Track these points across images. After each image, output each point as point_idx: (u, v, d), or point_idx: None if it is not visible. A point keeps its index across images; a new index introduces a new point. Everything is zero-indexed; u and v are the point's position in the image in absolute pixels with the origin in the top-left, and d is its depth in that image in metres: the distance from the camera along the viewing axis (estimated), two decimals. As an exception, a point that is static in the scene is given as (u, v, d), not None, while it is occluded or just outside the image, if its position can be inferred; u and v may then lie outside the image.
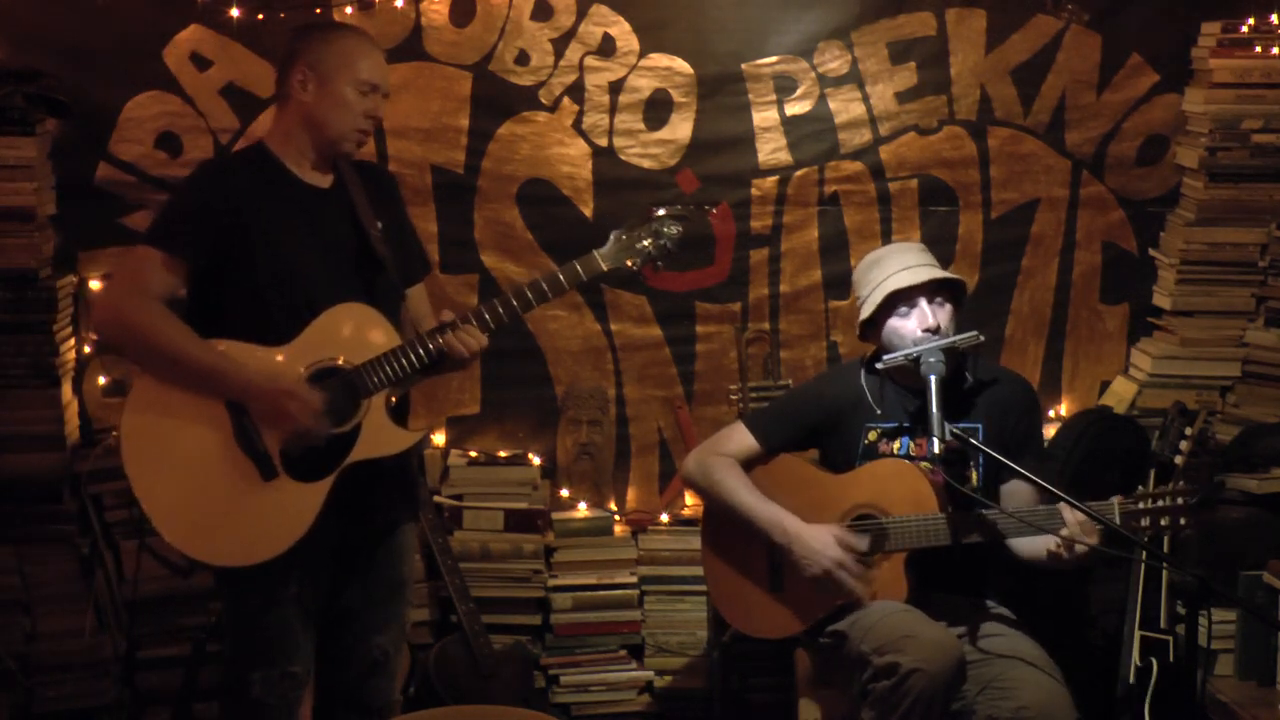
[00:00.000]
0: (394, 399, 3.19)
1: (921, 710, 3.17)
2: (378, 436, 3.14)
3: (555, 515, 4.44)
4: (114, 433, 4.24)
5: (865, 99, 4.38)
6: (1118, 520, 3.22)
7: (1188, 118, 4.40)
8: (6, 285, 4.06)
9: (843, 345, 4.47)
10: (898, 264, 3.48)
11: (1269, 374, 4.37)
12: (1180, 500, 3.22)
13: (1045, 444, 3.92)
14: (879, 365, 3.50)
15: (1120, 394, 4.47)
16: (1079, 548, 3.21)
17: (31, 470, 4.11)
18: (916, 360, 3.39)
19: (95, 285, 4.25)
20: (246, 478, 3.09)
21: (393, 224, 3.29)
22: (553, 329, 4.44)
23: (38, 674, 4.15)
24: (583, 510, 4.48)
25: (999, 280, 4.50)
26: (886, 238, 4.42)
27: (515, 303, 3.19)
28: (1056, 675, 3.29)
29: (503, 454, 4.45)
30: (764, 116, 4.37)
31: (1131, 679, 3.82)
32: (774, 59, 4.35)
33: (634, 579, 4.43)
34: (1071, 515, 3.22)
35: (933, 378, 3.32)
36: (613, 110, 4.35)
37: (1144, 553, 3.59)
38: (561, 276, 3.21)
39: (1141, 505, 3.24)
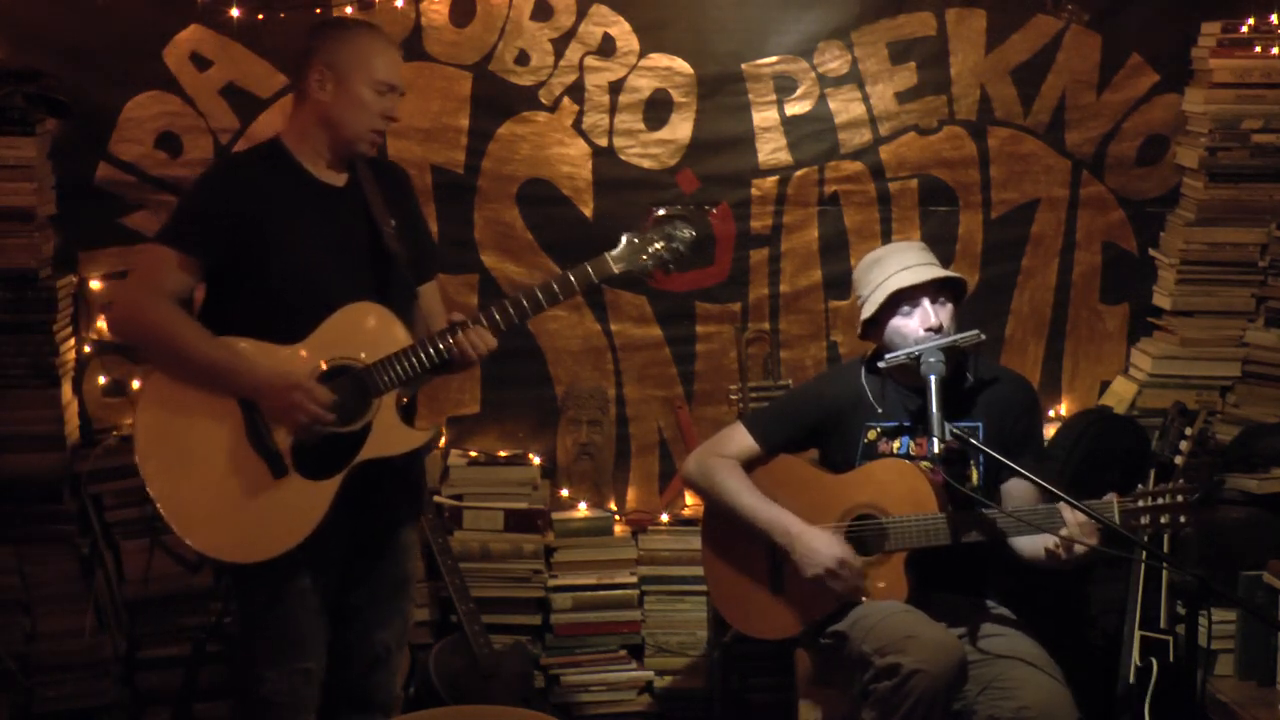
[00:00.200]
0: (405, 399, 3.20)
1: (923, 711, 3.17)
2: (388, 435, 3.15)
3: (555, 515, 4.44)
4: (114, 432, 4.26)
5: (865, 99, 4.38)
6: (1117, 519, 3.22)
7: (1188, 118, 4.40)
8: (6, 285, 4.06)
9: (843, 345, 4.47)
10: (899, 263, 3.48)
11: (1269, 374, 4.37)
12: (1180, 499, 3.22)
13: (1045, 444, 3.91)
14: (880, 364, 3.50)
15: (1120, 394, 4.47)
16: (1079, 547, 3.21)
17: (31, 470, 4.11)
18: (917, 359, 3.39)
19: (96, 285, 4.25)
20: (257, 475, 3.11)
21: (406, 222, 3.30)
22: (553, 329, 4.44)
23: (38, 674, 4.15)
24: (583, 510, 4.48)
25: (999, 280, 4.50)
26: (886, 238, 4.42)
27: (526, 304, 3.20)
28: (1057, 675, 3.29)
29: (503, 454, 4.45)
30: (764, 116, 4.37)
31: (1131, 679, 3.82)
32: (774, 59, 4.35)
33: (634, 579, 4.43)
34: (1071, 515, 3.22)
35: (933, 377, 3.32)
36: (613, 110, 4.35)
37: (1144, 553, 3.59)
38: (572, 278, 3.21)
39: (1141, 504, 3.24)
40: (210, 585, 4.27)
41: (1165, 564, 3.74)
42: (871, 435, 3.54)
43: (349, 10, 4.16)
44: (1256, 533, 4.12)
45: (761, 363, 4.46)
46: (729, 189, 4.41)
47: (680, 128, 4.37)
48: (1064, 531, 3.21)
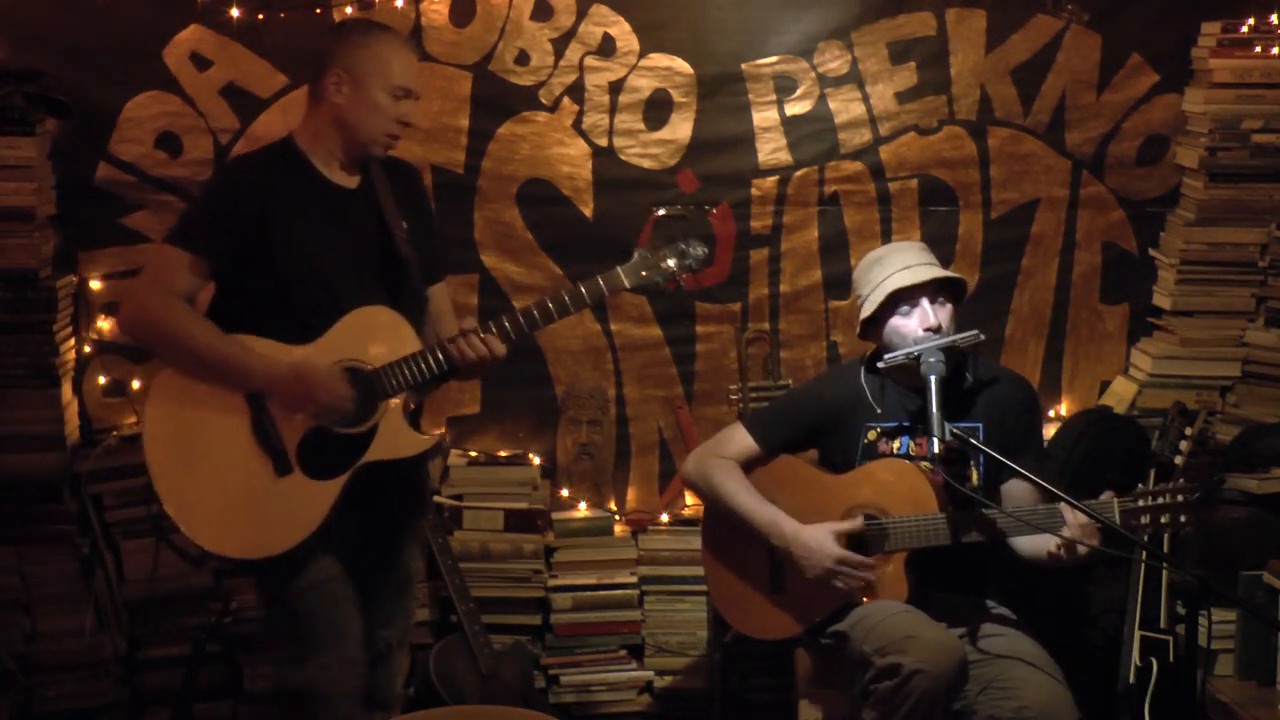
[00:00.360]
0: (412, 404, 3.21)
1: (924, 711, 3.17)
2: (394, 439, 3.16)
3: (555, 515, 4.44)
4: (114, 432, 4.26)
5: (865, 99, 4.38)
6: (1117, 519, 3.22)
7: (1188, 118, 4.40)
8: (6, 285, 4.06)
9: (843, 345, 4.47)
10: (899, 263, 3.48)
11: (1269, 374, 4.37)
12: (1180, 498, 3.22)
13: (1045, 444, 3.91)
14: (880, 364, 3.50)
15: (1120, 394, 4.47)
16: (1080, 547, 3.21)
17: (31, 470, 4.11)
18: (917, 359, 3.39)
19: (96, 285, 4.26)
20: (261, 472, 3.12)
21: (417, 223, 3.30)
22: (553, 329, 4.40)
23: (38, 674, 4.15)
24: (583, 510, 4.48)
25: (999, 280, 4.50)
26: (886, 238, 4.42)
27: (536, 314, 3.21)
28: (1057, 675, 3.29)
29: (503, 454, 4.45)
30: (764, 116, 4.37)
31: (1131, 679, 3.82)
32: (774, 59, 4.35)
33: (634, 579, 4.43)
34: (1072, 515, 3.22)
35: (933, 377, 3.32)
36: (613, 110, 4.35)
37: (1144, 553, 3.59)
38: (584, 291, 3.22)
39: (1141, 503, 3.24)
40: (210, 585, 4.27)
41: (1165, 564, 3.74)
42: (871, 435, 3.54)
43: (349, 10, 4.16)
44: (1256, 533, 4.12)
45: (761, 363, 4.46)
46: (729, 189, 4.41)
47: (680, 128, 4.37)
48: (1065, 532, 3.21)
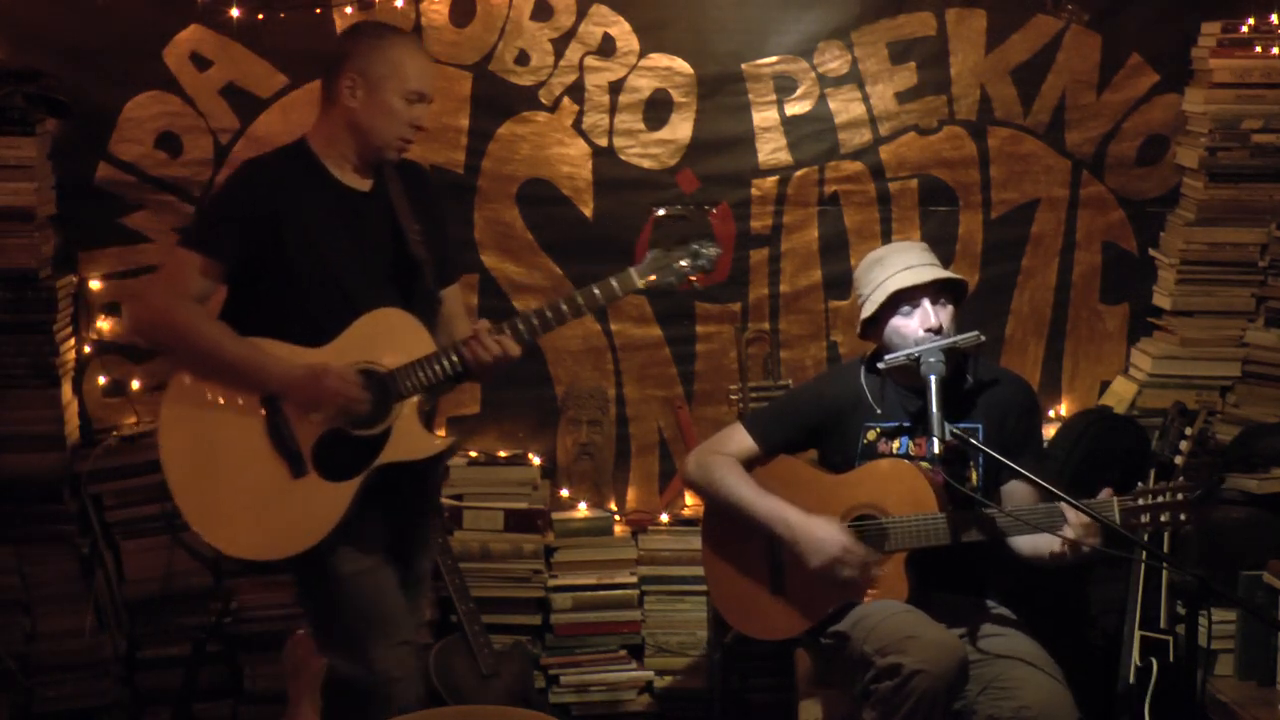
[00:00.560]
0: (427, 406, 3.20)
1: (924, 711, 3.17)
2: (408, 441, 3.16)
3: (555, 515, 4.44)
4: (114, 432, 4.26)
5: (865, 99, 4.38)
6: (1117, 519, 3.22)
7: (1188, 118, 4.40)
8: (6, 285, 4.07)
9: (843, 345, 4.47)
10: (901, 263, 3.48)
11: (1269, 374, 4.37)
12: (1180, 497, 3.22)
13: (1044, 445, 3.91)
14: (880, 365, 3.50)
15: (1120, 394, 4.47)
16: (1080, 546, 3.21)
17: (31, 470, 4.12)
18: (917, 360, 3.39)
19: (96, 285, 4.26)
20: (277, 474, 3.13)
21: (431, 225, 3.30)
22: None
23: (38, 674, 4.16)
24: (583, 510, 4.48)
25: (999, 280, 4.50)
26: (886, 238, 4.42)
27: (550, 315, 3.21)
28: (1057, 675, 3.29)
29: (503, 454, 4.45)
30: (764, 116, 4.37)
31: (1131, 679, 3.82)
32: (774, 59, 4.35)
33: (634, 579, 4.43)
34: (1073, 515, 3.22)
35: (933, 378, 3.32)
36: (613, 110, 4.35)
37: (1144, 552, 3.59)
38: (597, 292, 3.22)
39: (1140, 502, 3.24)
40: (210, 585, 4.27)
41: (1165, 564, 3.74)
42: (871, 435, 3.54)
43: (349, 10, 4.17)
44: (1256, 533, 4.12)
45: (761, 363, 4.46)
46: (729, 189, 4.41)
47: (680, 128, 4.37)
48: (1066, 531, 3.21)
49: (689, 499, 4.45)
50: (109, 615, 4.23)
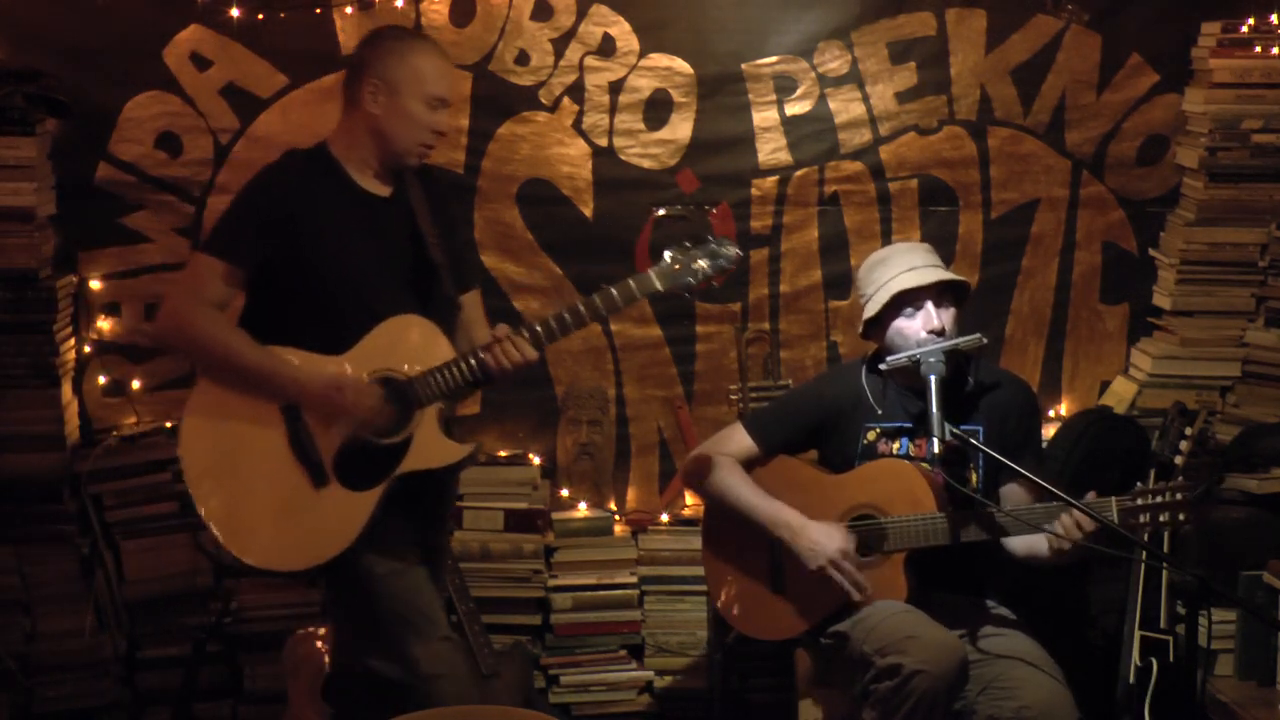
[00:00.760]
0: (447, 413, 3.20)
1: (924, 711, 3.17)
2: (429, 449, 3.15)
3: (555, 515, 4.44)
4: (114, 432, 4.26)
5: (865, 99, 4.38)
6: (1115, 518, 3.22)
7: (1188, 118, 4.40)
8: (6, 285, 4.07)
9: (843, 345, 4.47)
10: (904, 264, 3.48)
11: (1269, 374, 4.37)
12: (1180, 496, 3.22)
13: (1044, 447, 3.90)
14: (882, 367, 3.50)
15: (1120, 394, 4.47)
16: (1075, 541, 3.21)
17: (31, 470, 4.12)
18: (918, 361, 3.39)
19: (96, 285, 4.26)
20: (298, 483, 3.12)
21: (450, 231, 3.30)
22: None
23: (38, 674, 4.16)
24: (583, 510, 4.48)
25: (999, 280, 4.50)
26: (886, 238, 4.42)
27: (568, 318, 3.21)
28: (1057, 675, 3.29)
29: (503, 454, 4.45)
30: (764, 116, 4.37)
31: (1131, 679, 3.82)
32: (774, 59, 4.35)
33: (634, 579, 4.43)
34: (1070, 514, 3.22)
35: (933, 378, 3.33)
36: (613, 110, 4.35)
37: (1144, 553, 3.59)
38: (615, 294, 3.22)
39: (1140, 502, 3.24)
40: (210, 585, 4.27)
41: (1165, 564, 3.74)
42: (871, 436, 3.54)
43: (349, 10, 4.17)
44: (1256, 533, 4.12)
45: (761, 363, 4.46)
46: (729, 189, 4.41)
47: (680, 128, 4.37)
48: (1056, 528, 3.21)
49: (689, 499, 4.45)
50: (109, 615, 4.23)
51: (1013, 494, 3.48)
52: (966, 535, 3.38)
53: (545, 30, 4.30)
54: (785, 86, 4.37)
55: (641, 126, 4.36)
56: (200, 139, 4.24)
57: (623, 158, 4.37)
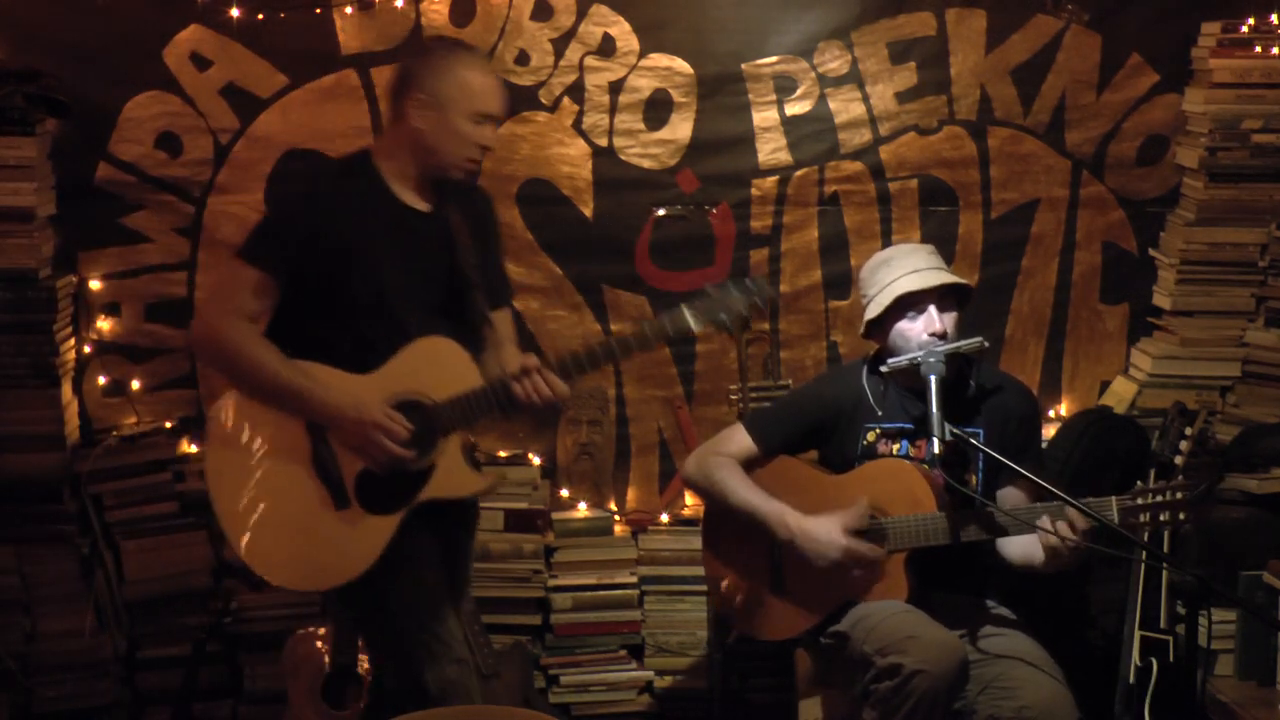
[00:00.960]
0: (470, 441, 3.17)
1: (924, 711, 3.17)
2: (451, 477, 3.12)
3: (555, 515, 4.44)
4: (114, 432, 4.26)
5: (865, 99, 4.38)
6: (1115, 518, 3.22)
7: (1188, 118, 4.40)
8: (6, 285, 4.07)
9: (843, 345, 4.47)
10: (908, 265, 3.48)
11: (1269, 374, 4.37)
12: (1179, 495, 3.22)
13: (1043, 452, 3.88)
14: (883, 369, 3.50)
15: (1120, 394, 4.47)
16: (1074, 551, 3.21)
17: (31, 470, 4.12)
18: (919, 363, 3.39)
19: (96, 285, 4.26)
20: (319, 503, 3.10)
21: (487, 248, 3.27)
22: (552, 329, 4.44)
23: (38, 674, 4.16)
24: (583, 510, 4.48)
25: (999, 280, 4.50)
26: (886, 238, 4.42)
27: (600, 353, 3.19)
28: (1058, 675, 3.29)
29: (503, 454, 4.45)
30: (764, 116, 4.37)
31: (1131, 679, 3.83)
32: (774, 59, 4.35)
33: (634, 579, 4.43)
34: (1068, 516, 3.22)
35: (933, 378, 3.33)
36: (613, 110, 4.35)
37: (1144, 553, 3.59)
38: (649, 333, 3.19)
39: (1140, 501, 3.24)
40: (210, 585, 4.27)
41: (1165, 564, 3.74)
42: (871, 437, 3.54)
43: (349, 10, 4.17)
44: (1256, 533, 4.12)
45: (761, 363, 4.46)
46: (729, 189, 4.41)
47: (680, 128, 4.37)
48: (1059, 527, 3.21)
49: (689, 499, 4.45)
50: (109, 615, 4.23)
51: (1010, 498, 3.48)
52: (966, 535, 3.38)
53: (545, 30, 4.30)
54: (785, 86, 4.37)
55: (641, 126, 4.36)
56: (200, 139, 4.24)
57: (623, 158, 4.37)
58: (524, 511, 4.38)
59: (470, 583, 3.45)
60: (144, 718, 4.27)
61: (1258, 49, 4.27)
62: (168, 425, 4.31)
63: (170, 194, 4.26)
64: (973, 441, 3.37)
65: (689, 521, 4.42)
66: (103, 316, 4.28)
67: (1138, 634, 3.86)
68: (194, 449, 4.33)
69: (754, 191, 4.41)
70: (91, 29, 4.13)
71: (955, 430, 3.29)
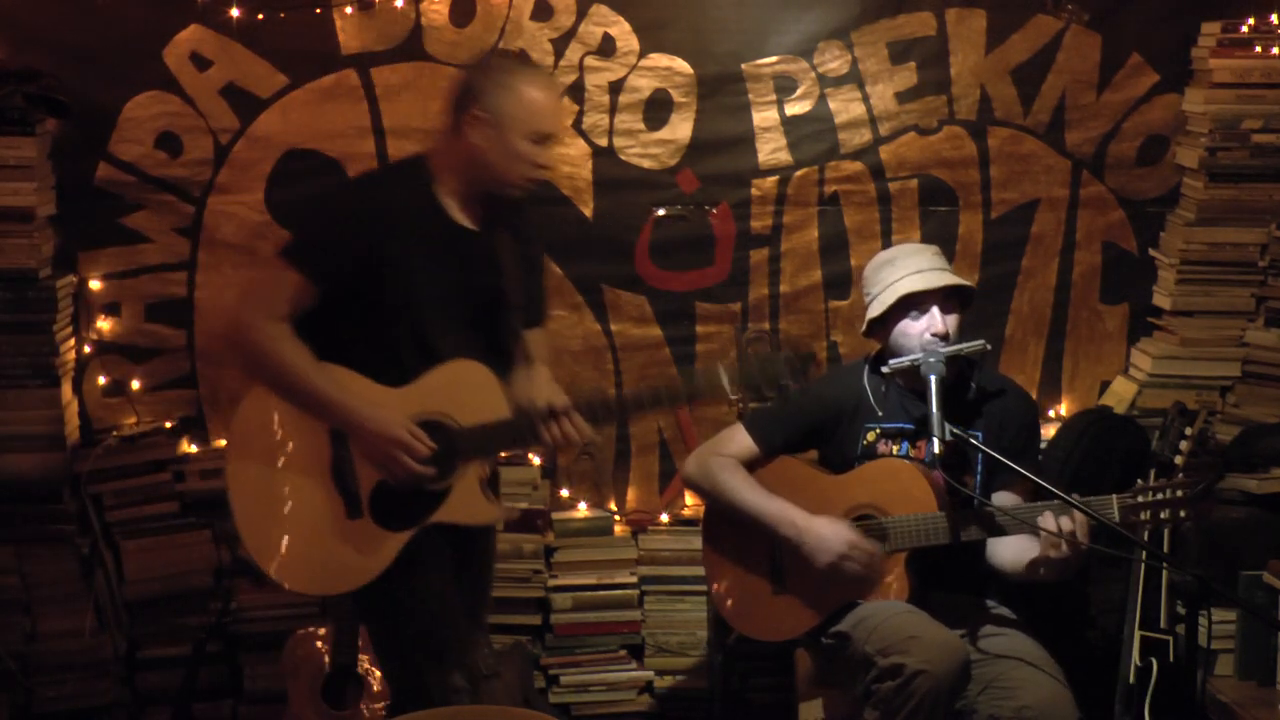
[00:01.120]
0: (489, 470, 3.15)
1: (926, 711, 3.17)
2: (466, 504, 3.10)
3: (555, 515, 4.44)
4: (114, 432, 4.26)
5: (865, 99, 4.38)
6: (1116, 517, 3.22)
7: (1188, 118, 4.40)
8: (6, 285, 4.07)
9: (843, 345, 4.47)
10: (913, 265, 3.48)
11: (1269, 374, 4.37)
12: (1180, 492, 3.22)
13: (1040, 459, 3.87)
14: (885, 370, 3.50)
15: (1120, 394, 4.47)
16: (1068, 556, 3.21)
17: (31, 470, 4.11)
18: (920, 364, 3.39)
19: (96, 285, 4.26)
20: (333, 510, 3.08)
21: (531, 270, 3.26)
22: (553, 329, 4.40)
23: (38, 674, 4.15)
24: (583, 510, 4.48)
25: (999, 280, 4.50)
26: (886, 238, 4.42)
27: (628, 404, 3.23)
28: (1058, 675, 3.29)
29: (503, 454, 4.44)
30: (764, 116, 4.37)
31: (1131, 679, 3.82)
32: (774, 59, 4.35)
33: (634, 579, 4.43)
34: (1069, 515, 3.22)
35: (933, 378, 3.33)
36: (613, 110, 4.35)
37: (1144, 552, 3.59)
38: (683, 389, 3.21)
39: (1140, 499, 3.24)
40: (210, 585, 4.27)
41: (1165, 564, 3.74)
42: (870, 437, 3.54)
43: (349, 10, 4.17)
44: (1256, 533, 4.12)
45: (761, 363, 4.46)
46: (729, 189, 4.41)
47: (680, 128, 4.37)
48: (1062, 526, 3.21)
49: (689, 499, 4.45)
50: (109, 615, 4.23)
51: (1007, 501, 3.48)
52: (967, 535, 3.38)
53: (545, 30, 4.29)
54: (785, 86, 4.37)
55: (641, 126, 4.36)
56: (200, 139, 4.24)
57: (623, 158, 4.37)
58: (524, 511, 4.38)
59: (489, 607, 3.42)
60: (144, 718, 4.27)
61: (1258, 49, 4.27)
62: (168, 425, 4.31)
63: (170, 194, 4.26)
64: (973, 442, 3.37)
65: (689, 521, 4.42)
66: (103, 316, 4.28)
67: (1138, 634, 3.86)
68: (194, 449, 4.33)
69: (754, 191, 4.41)
70: (91, 29, 4.13)
71: (955, 430, 3.29)
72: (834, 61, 4.36)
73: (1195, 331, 4.40)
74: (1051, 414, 4.50)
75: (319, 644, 3.98)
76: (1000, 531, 3.38)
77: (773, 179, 4.41)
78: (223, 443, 4.32)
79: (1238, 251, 4.38)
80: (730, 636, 4.16)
